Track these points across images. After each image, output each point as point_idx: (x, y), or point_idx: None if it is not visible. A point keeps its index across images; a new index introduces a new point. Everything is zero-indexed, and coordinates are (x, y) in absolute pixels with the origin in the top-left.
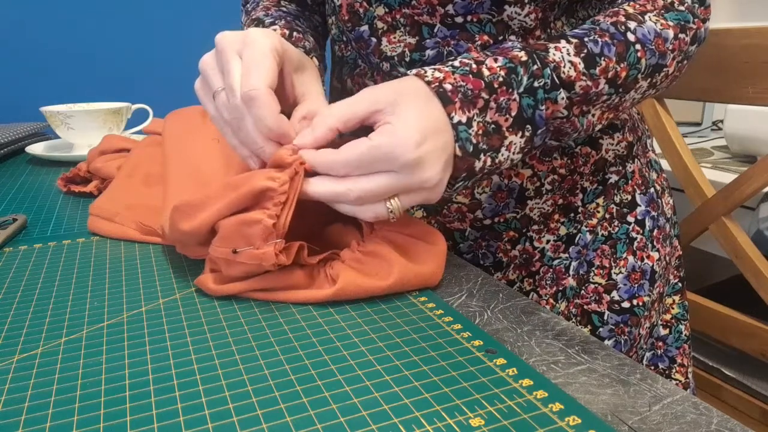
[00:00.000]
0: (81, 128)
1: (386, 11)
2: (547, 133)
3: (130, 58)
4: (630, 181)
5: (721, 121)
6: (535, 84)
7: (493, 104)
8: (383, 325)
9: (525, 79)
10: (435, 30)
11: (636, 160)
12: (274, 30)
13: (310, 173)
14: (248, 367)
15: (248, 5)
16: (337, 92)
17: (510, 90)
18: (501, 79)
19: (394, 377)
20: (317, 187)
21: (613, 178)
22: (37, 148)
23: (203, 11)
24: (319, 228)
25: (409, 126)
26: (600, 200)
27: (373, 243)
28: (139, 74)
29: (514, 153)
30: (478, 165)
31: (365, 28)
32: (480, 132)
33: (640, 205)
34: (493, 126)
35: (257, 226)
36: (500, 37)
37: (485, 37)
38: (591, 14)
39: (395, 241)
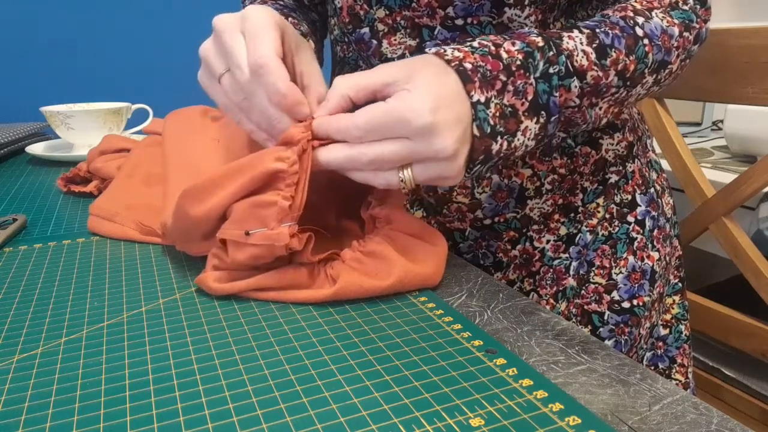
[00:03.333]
0: (81, 128)
1: (386, 13)
2: (559, 123)
3: (130, 58)
4: (630, 181)
5: (721, 121)
6: (551, 70)
7: (510, 87)
8: (383, 325)
9: (541, 64)
10: (435, 32)
11: (636, 160)
12: None
13: (322, 145)
14: (248, 367)
15: (246, 1)
16: None
17: (527, 74)
18: (519, 62)
19: (394, 377)
20: (331, 154)
21: (614, 178)
22: (37, 148)
23: (203, 11)
24: (320, 226)
25: (424, 92)
26: (600, 200)
27: (373, 243)
28: (139, 74)
29: (528, 139)
30: (495, 147)
31: (366, 30)
32: (497, 114)
33: (640, 205)
34: (510, 109)
35: (272, 207)
36: None
37: None
38: (590, 14)
39: (396, 241)
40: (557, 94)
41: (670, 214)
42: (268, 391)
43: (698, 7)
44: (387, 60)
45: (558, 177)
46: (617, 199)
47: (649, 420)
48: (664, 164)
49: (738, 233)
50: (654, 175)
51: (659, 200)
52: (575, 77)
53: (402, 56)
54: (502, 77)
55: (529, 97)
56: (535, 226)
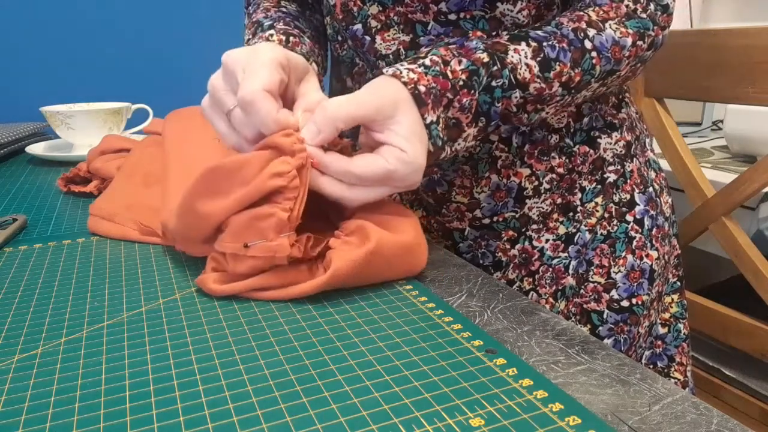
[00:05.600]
0: (81, 128)
1: (380, 10)
2: (498, 124)
3: (129, 57)
4: (629, 180)
5: (721, 121)
6: (493, 83)
7: (456, 104)
8: (383, 325)
9: (485, 79)
10: (429, 28)
11: (634, 159)
12: (270, 36)
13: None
14: (248, 367)
15: (250, 7)
16: (337, 92)
17: (471, 92)
18: (462, 82)
19: (394, 377)
20: (326, 186)
21: (612, 177)
22: (37, 148)
23: (203, 11)
24: (312, 228)
25: (418, 154)
26: (599, 199)
27: (351, 223)
28: (139, 74)
29: (468, 142)
30: (443, 155)
31: (359, 26)
32: (443, 127)
33: (638, 204)
34: (453, 121)
35: (271, 219)
36: (494, 33)
37: (478, 34)
38: None
39: (370, 214)
40: (499, 105)
41: (669, 213)
42: (268, 391)
43: (659, 13)
44: (382, 56)
45: (556, 176)
46: (616, 198)
47: (649, 420)
48: (664, 164)
49: (738, 233)
50: (652, 175)
51: (658, 199)
52: (518, 89)
53: (396, 52)
54: (449, 95)
55: (473, 110)
56: (534, 226)
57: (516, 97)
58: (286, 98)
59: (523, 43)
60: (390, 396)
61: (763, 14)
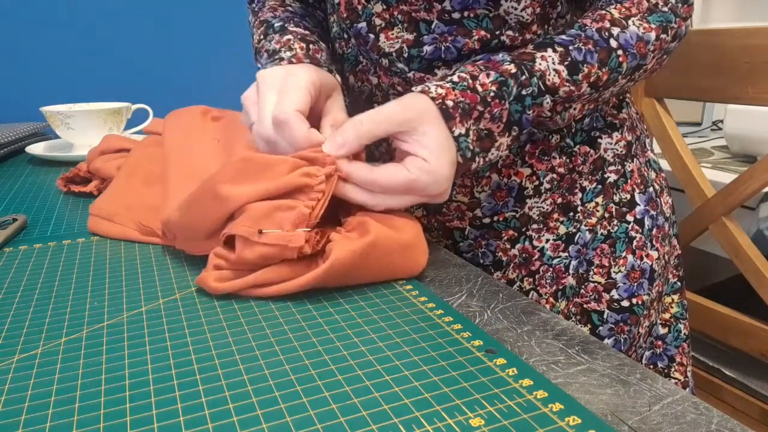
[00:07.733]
0: (81, 128)
1: (384, 8)
2: (530, 131)
3: (130, 58)
4: (629, 180)
5: (721, 121)
6: (523, 92)
7: (487, 115)
8: (383, 325)
9: (515, 89)
10: (432, 26)
11: (635, 159)
12: (289, 42)
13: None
14: (248, 367)
15: (254, 5)
16: None
17: (502, 102)
18: (493, 93)
19: (394, 377)
20: (353, 194)
21: (612, 177)
22: (37, 148)
23: (203, 11)
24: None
25: (442, 165)
26: (599, 199)
27: (354, 220)
28: (139, 74)
29: (501, 150)
30: (474, 165)
31: (363, 24)
32: (474, 138)
33: (639, 204)
34: (485, 132)
35: (291, 211)
36: (497, 32)
37: (482, 32)
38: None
39: (374, 217)
40: (530, 112)
41: (669, 214)
42: (268, 391)
43: (680, 5)
44: (385, 54)
45: (557, 176)
46: (616, 198)
47: (649, 420)
48: (664, 164)
49: (738, 233)
50: (653, 175)
51: (658, 199)
52: (547, 94)
53: (399, 50)
54: (479, 108)
55: (504, 120)
56: (535, 225)
57: (547, 103)
58: (314, 114)
59: (550, 50)
60: (390, 396)
61: (764, 14)
